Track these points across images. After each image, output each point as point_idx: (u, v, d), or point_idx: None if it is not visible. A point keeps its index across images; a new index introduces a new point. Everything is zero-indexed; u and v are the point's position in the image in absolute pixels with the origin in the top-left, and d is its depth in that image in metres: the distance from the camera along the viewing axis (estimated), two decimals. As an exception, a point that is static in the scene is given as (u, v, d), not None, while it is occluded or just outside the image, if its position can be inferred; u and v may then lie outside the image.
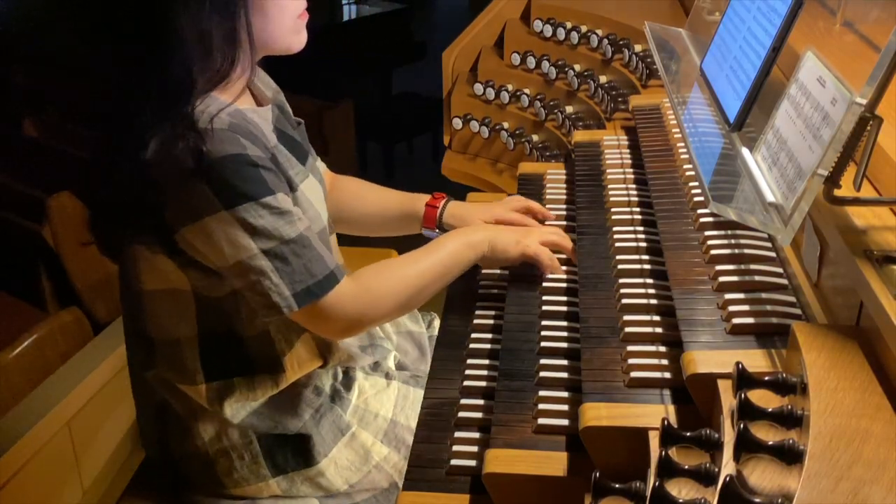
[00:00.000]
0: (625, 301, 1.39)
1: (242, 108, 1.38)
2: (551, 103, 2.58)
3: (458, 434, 1.38)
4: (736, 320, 1.17)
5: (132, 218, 1.36)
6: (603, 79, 2.41)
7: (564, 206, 1.86)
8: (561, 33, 2.60)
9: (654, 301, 1.38)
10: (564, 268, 1.65)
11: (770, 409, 0.89)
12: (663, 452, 0.91)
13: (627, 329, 1.32)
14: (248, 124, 1.35)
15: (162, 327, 1.48)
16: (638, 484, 0.98)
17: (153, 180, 1.28)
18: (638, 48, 2.29)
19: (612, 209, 1.67)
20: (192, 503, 1.58)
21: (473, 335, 1.60)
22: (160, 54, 1.27)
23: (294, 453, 1.54)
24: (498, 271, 1.75)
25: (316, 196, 1.51)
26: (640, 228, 1.59)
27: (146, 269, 1.44)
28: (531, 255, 1.62)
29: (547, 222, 1.78)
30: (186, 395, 1.51)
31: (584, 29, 2.53)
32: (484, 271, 1.76)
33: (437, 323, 1.95)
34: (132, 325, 1.54)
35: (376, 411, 1.63)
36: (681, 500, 0.87)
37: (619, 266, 1.49)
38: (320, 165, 1.81)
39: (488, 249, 1.61)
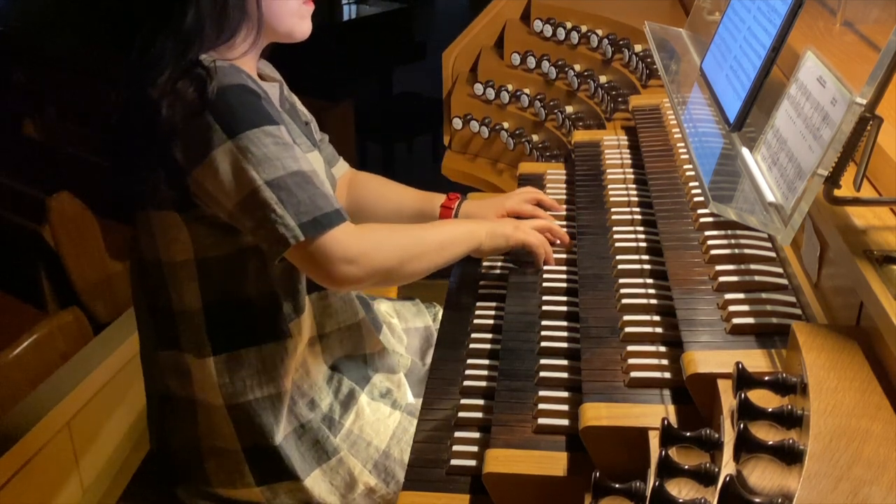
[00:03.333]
0: (625, 301, 1.39)
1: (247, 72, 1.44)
2: (551, 103, 2.58)
3: (458, 434, 1.38)
4: (736, 320, 1.17)
5: (147, 164, 1.40)
6: (603, 79, 2.41)
7: (564, 206, 1.86)
8: (561, 33, 2.60)
9: (654, 301, 1.38)
10: (564, 267, 1.65)
11: (770, 409, 0.89)
12: (663, 452, 0.91)
13: (627, 329, 1.32)
14: (254, 81, 1.42)
15: (173, 298, 1.49)
16: (638, 484, 0.98)
17: (163, 119, 1.34)
18: (638, 48, 2.29)
19: (612, 209, 1.67)
20: (183, 499, 1.59)
21: (473, 335, 1.60)
22: (178, 5, 1.36)
23: (275, 466, 1.53)
24: (498, 271, 1.75)
25: (320, 167, 1.54)
26: (640, 228, 1.59)
27: (160, 235, 1.46)
28: (529, 241, 1.65)
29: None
30: (190, 380, 1.52)
31: (584, 29, 2.53)
32: (484, 271, 1.76)
33: (441, 315, 1.96)
34: (145, 301, 1.55)
35: (369, 439, 1.60)
36: (681, 500, 0.87)
37: (619, 266, 1.49)
38: (344, 164, 1.87)
39: (486, 237, 1.63)
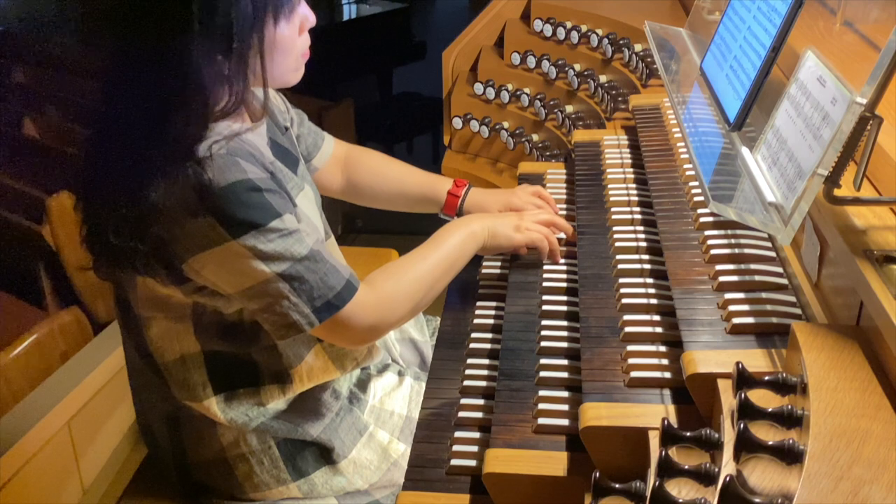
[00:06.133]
0: (625, 301, 1.39)
1: (239, 129, 1.34)
2: (551, 103, 2.58)
3: (458, 434, 1.38)
4: (736, 320, 1.17)
5: (137, 253, 1.30)
6: (603, 78, 2.41)
7: (564, 206, 1.86)
8: (561, 33, 2.60)
9: (654, 301, 1.38)
10: (564, 267, 1.65)
11: (770, 409, 0.89)
12: (663, 452, 0.91)
13: (627, 329, 1.32)
14: (245, 145, 1.32)
15: (163, 348, 1.46)
16: (638, 484, 0.98)
17: (157, 215, 1.25)
18: (638, 48, 2.29)
19: (612, 209, 1.67)
20: None
21: (473, 335, 1.60)
22: (182, 100, 1.24)
23: (315, 457, 1.54)
24: (497, 271, 1.75)
25: (311, 208, 1.50)
26: (640, 228, 1.59)
27: (144, 295, 1.41)
28: (532, 240, 1.65)
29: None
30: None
31: (584, 29, 2.53)
32: (484, 271, 1.76)
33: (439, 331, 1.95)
34: (133, 344, 1.52)
35: (391, 409, 1.64)
36: (681, 500, 0.87)
37: (619, 266, 1.49)
38: (331, 142, 1.82)
39: (489, 237, 1.62)
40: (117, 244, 1.30)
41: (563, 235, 1.72)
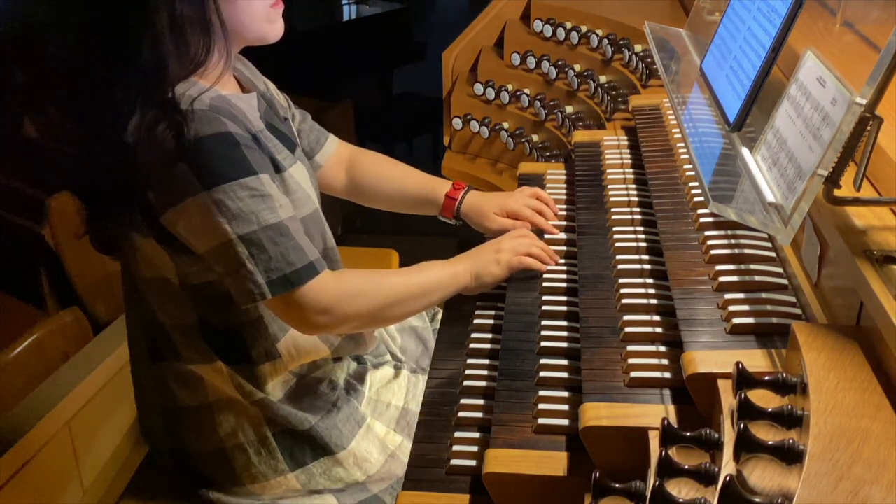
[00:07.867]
0: (625, 301, 1.39)
1: (225, 94, 1.40)
2: (551, 103, 2.58)
3: (458, 434, 1.38)
4: (736, 320, 1.17)
5: (122, 204, 1.37)
6: (603, 79, 2.41)
7: (564, 206, 1.86)
8: (561, 33, 2.60)
9: (654, 301, 1.38)
10: (564, 267, 1.65)
11: (770, 409, 0.89)
12: (663, 452, 0.91)
13: (627, 329, 1.32)
14: (230, 107, 1.36)
15: (168, 313, 1.49)
16: (638, 484, 0.98)
17: (137, 163, 1.30)
18: (638, 48, 2.29)
19: (612, 209, 1.67)
20: (208, 500, 1.57)
21: (473, 335, 1.60)
22: (132, 39, 1.29)
23: (312, 447, 1.55)
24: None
25: (304, 179, 1.52)
26: (640, 228, 1.59)
27: (142, 257, 1.45)
28: (515, 268, 1.64)
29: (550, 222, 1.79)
30: (203, 387, 1.51)
31: (584, 29, 2.53)
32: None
33: (440, 317, 1.96)
34: (139, 316, 1.54)
35: (388, 401, 1.65)
36: (681, 500, 0.87)
37: (619, 266, 1.49)
38: (333, 141, 1.84)
39: (472, 279, 1.61)
40: (106, 198, 1.37)
41: (557, 234, 1.74)
